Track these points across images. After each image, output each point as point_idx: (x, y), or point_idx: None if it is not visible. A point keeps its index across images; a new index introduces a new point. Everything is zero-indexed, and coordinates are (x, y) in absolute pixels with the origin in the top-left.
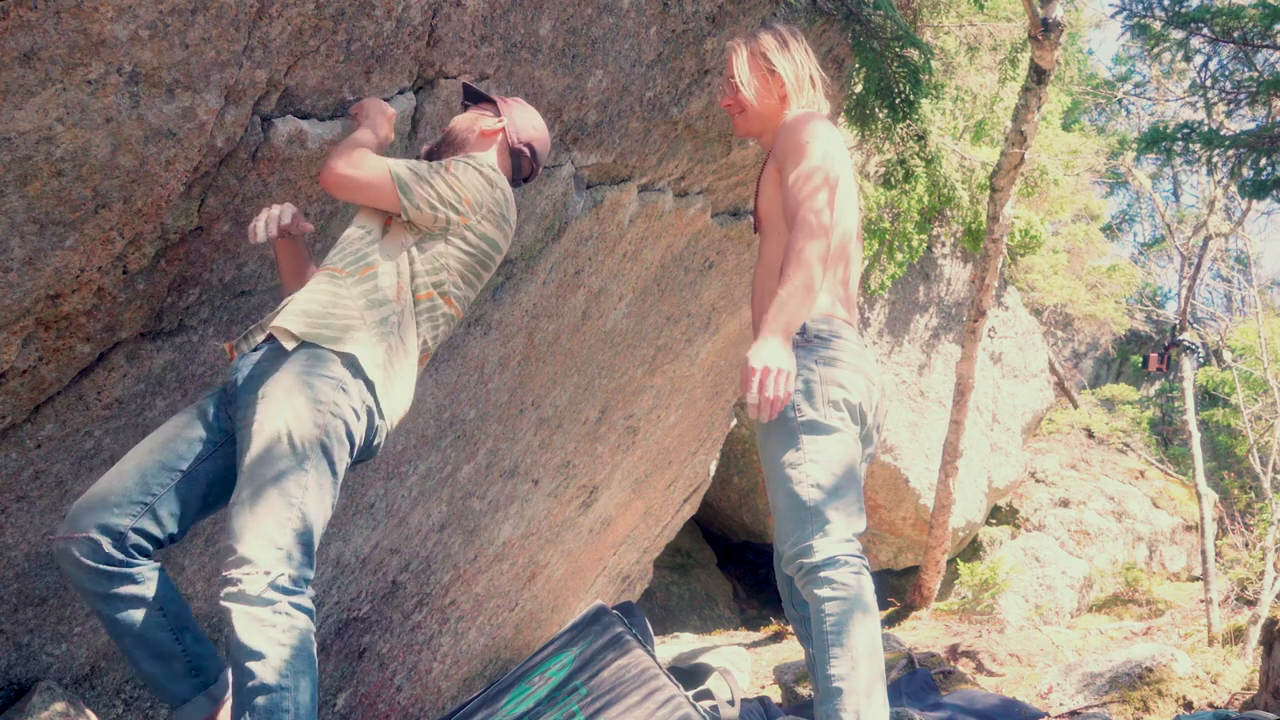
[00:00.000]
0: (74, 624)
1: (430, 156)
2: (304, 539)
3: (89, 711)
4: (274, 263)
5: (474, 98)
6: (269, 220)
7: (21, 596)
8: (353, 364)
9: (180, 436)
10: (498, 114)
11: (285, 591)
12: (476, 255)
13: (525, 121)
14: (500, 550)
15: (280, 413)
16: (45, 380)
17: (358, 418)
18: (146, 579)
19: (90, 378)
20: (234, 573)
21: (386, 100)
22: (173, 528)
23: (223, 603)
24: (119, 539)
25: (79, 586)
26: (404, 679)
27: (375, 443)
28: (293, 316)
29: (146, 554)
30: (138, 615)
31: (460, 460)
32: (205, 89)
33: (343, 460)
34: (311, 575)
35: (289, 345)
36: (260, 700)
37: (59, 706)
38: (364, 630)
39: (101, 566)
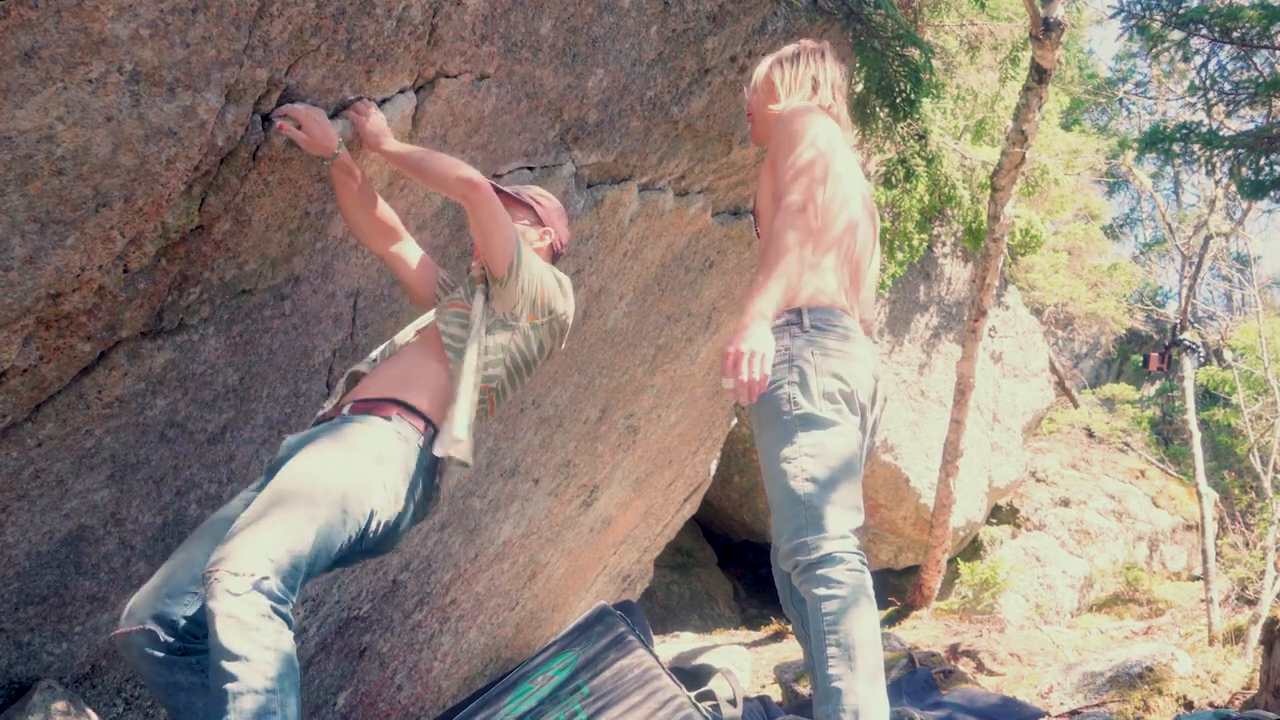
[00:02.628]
0: (74, 623)
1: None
2: (295, 562)
3: (89, 710)
4: (275, 261)
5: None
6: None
7: (22, 595)
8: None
9: (227, 521)
10: (538, 220)
11: (270, 596)
12: (526, 357)
13: (562, 224)
14: (501, 549)
15: (321, 456)
16: (46, 379)
17: (398, 504)
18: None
19: (91, 376)
20: (219, 572)
21: (386, 100)
22: None
23: (207, 604)
24: (172, 627)
25: (145, 677)
26: (404, 678)
27: (397, 530)
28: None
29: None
30: (199, 703)
31: None
32: (206, 88)
33: (350, 531)
34: (293, 600)
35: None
36: (247, 704)
37: (60, 705)
38: (364, 629)
39: (161, 655)
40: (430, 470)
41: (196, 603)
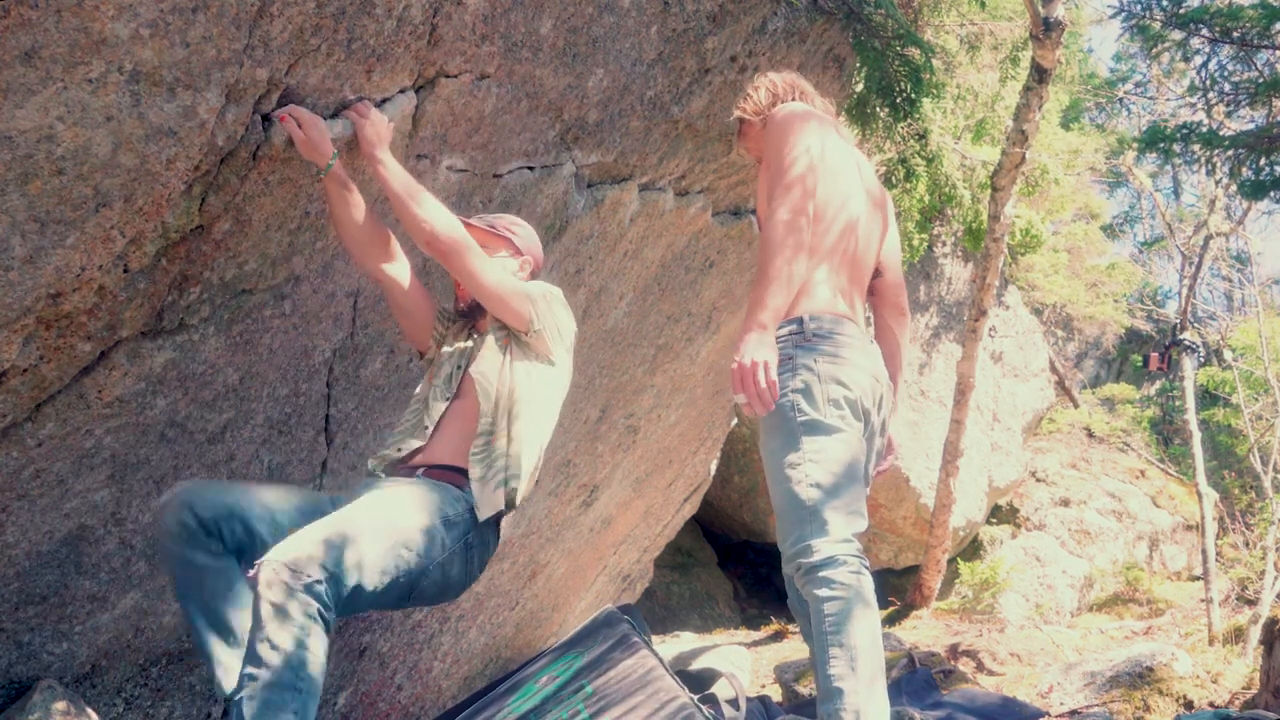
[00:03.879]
0: (75, 623)
1: (467, 314)
2: (346, 578)
3: (89, 710)
4: (275, 261)
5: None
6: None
7: (23, 595)
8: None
9: (296, 509)
10: (516, 250)
11: (319, 600)
12: (560, 392)
13: (538, 248)
14: (501, 549)
15: (394, 499)
16: (46, 379)
17: (457, 564)
18: (220, 556)
19: (91, 376)
20: (276, 564)
21: (387, 99)
22: (244, 539)
23: (258, 591)
24: (200, 521)
25: (165, 549)
26: (404, 678)
27: (451, 585)
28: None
29: (222, 542)
30: (209, 582)
31: None
32: (206, 88)
33: (403, 570)
34: (334, 612)
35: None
36: (273, 696)
37: (60, 705)
38: (364, 629)
39: (187, 530)
40: (494, 532)
41: (230, 523)
